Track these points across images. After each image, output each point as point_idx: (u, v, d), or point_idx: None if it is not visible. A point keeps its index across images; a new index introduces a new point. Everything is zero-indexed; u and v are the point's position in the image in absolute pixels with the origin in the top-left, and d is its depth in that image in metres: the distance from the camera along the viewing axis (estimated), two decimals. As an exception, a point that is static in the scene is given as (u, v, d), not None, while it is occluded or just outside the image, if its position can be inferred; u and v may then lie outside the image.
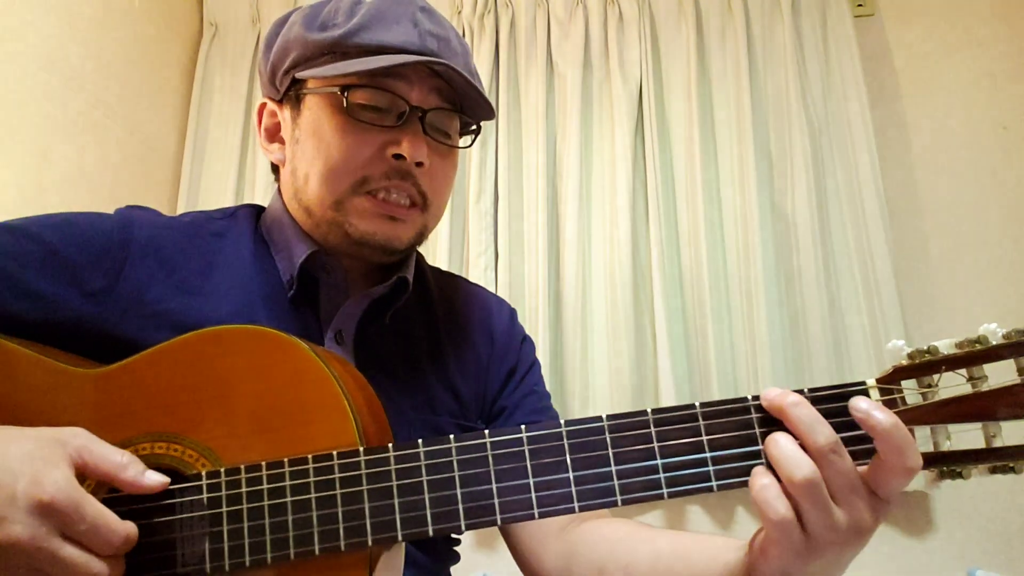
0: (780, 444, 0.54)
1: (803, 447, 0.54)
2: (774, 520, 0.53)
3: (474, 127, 0.87)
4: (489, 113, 0.83)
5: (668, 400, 1.84)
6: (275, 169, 0.89)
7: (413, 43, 0.76)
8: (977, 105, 2.03)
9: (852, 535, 0.54)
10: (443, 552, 0.87)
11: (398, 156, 0.76)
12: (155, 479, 0.59)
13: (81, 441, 0.57)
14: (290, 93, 0.82)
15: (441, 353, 0.88)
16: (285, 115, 0.83)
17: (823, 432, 0.54)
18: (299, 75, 0.78)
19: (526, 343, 0.98)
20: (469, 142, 0.88)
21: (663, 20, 2.15)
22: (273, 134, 0.86)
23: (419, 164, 0.77)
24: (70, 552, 0.53)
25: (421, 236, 0.83)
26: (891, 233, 1.90)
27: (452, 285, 0.98)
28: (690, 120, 2.05)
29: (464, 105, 0.82)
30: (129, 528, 0.56)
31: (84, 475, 0.56)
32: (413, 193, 0.78)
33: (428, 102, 0.78)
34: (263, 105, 0.87)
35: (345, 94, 0.75)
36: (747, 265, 1.92)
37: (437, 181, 0.81)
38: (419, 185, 0.78)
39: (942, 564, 1.78)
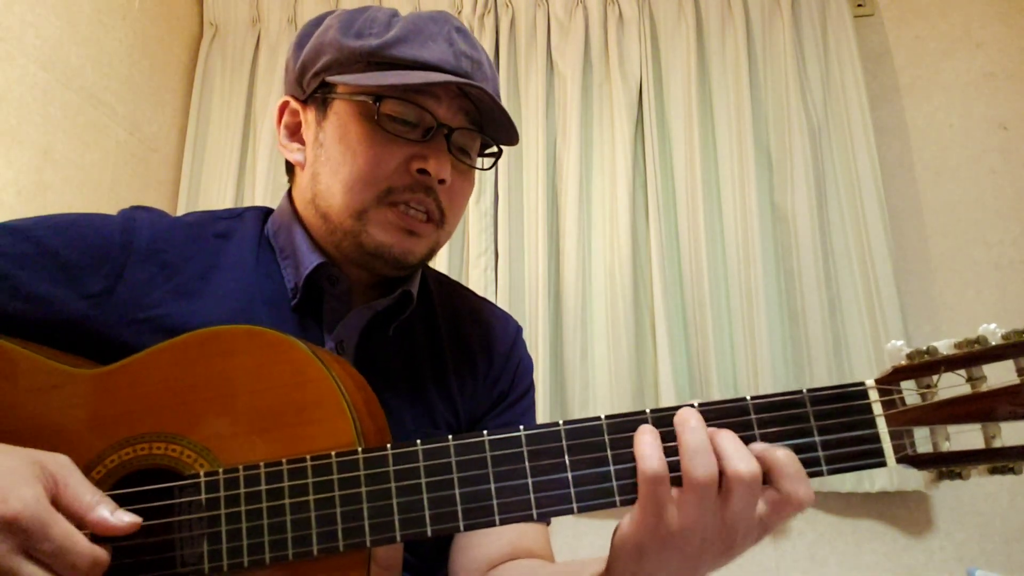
0: (695, 430, 0.55)
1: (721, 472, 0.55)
2: (648, 474, 0.54)
3: (493, 150, 0.86)
4: (513, 138, 0.83)
5: (668, 400, 1.84)
6: (289, 169, 0.89)
7: (448, 62, 0.76)
8: (977, 105, 2.03)
9: (720, 540, 0.55)
10: (438, 553, 0.87)
11: (422, 171, 0.76)
12: (125, 520, 0.56)
13: (60, 470, 0.56)
14: (317, 95, 0.81)
15: (443, 367, 0.87)
16: (309, 117, 0.83)
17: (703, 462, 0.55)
18: (330, 79, 0.78)
19: (522, 368, 0.96)
20: (489, 164, 0.87)
21: (663, 20, 2.15)
22: (293, 132, 0.85)
23: (442, 181, 0.77)
24: (31, 572, 0.51)
25: (432, 252, 0.83)
26: (891, 233, 1.90)
27: (457, 297, 0.97)
28: (690, 120, 2.05)
29: (487, 127, 0.82)
30: (98, 553, 0.54)
31: (58, 507, 0.54)
32: (432, 208, 0.78)
33: (455, 121, 0.78)
34: (285, 103, 0.85)
35: (377, 104, 0.75)
36: (747, 265, 1.92)
37: (456, 199, 0.82)
38: (439, 201, 0.78)
39: (942, 564, 1.78)
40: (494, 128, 0.82)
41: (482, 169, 0.86)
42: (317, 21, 0.83)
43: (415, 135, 0.76)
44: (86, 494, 0.56)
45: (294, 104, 0.85)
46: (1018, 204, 1.95)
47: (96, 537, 0.55)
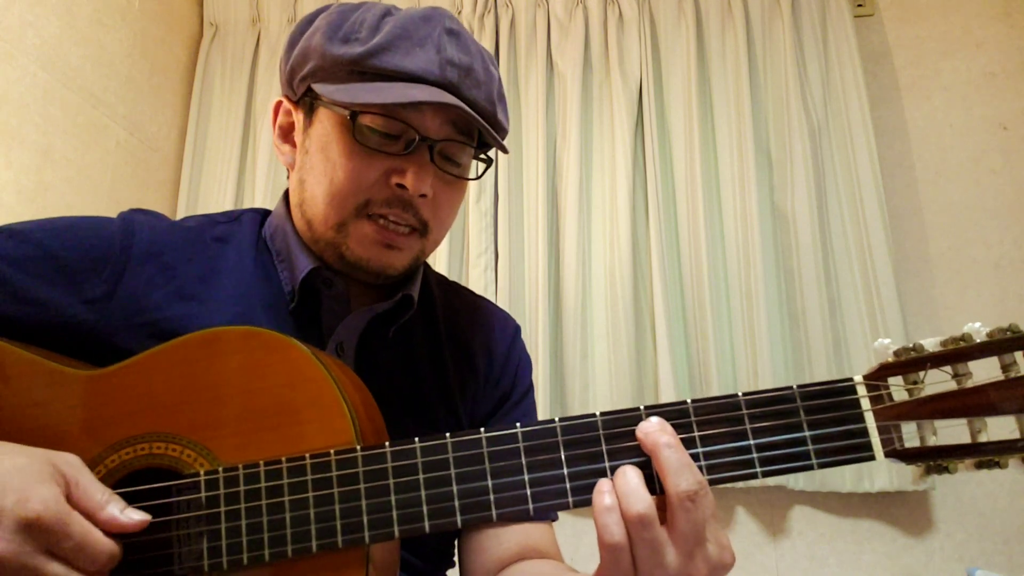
0: (627, 477, 0.55)
1: (664, 487, 0.54)
2: (607, 543, 0.53)
3: (485, 156, 0.85)
4: (500, 148, 0.81)
5: (668, 400, 1.84)
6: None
7: (433, 73, 0.73)
8: (977, 105, 2.03)
9: None
10: (438, 555, 0.87)
11: (401, 186, 0.74)
12: (135, 518, 0.57)
13: (72, 470, 0.57)
14: (305, 99, 0.80)
15: (443, 370, 0.87)
16: (299, 119, 0.82)
17: (687, 479, 0.54)
18: (314, 87, 0.77)
19: (522, 368, 0.96)
20: (479, 172, 0.85)
21: (663, 20, 2.15)
22: (287, 133, 0.85)
23: (423, 196, 0.76)
24: (55, 570, 0.53)
25: (417, 260, 0.82)
26: (891, 233, 1.90)
27: (457, 298, 0.96)
28: (690, 120, 2.05)
29: (479, 134, 0.80)
30: (113, 547, 0.56)
31: (71, 505, 0.56)
32: (413, 222, 0.77)
33: (440, 133, 0.76)
34: (279, 103, 0.85)
35: (355, 119, 0.74)
36: (747, 265, 1.93)
37: (441, 210, 0.80)
38: (420, 215, 0.77)
39: (942, 564, 1.78)
40: (483, 136, 0.79)
41: (472, 179, 0.84)
42: (309, 19, 0.82)
43: (395, 148, 0.75)
44: (96, 493, 0.57)
45: (287, 104, 0.84)
46: (1018, 204, 1.95)
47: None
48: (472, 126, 0.78)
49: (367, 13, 0.77)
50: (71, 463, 0.57)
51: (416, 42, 0.74)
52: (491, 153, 0.87)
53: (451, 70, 0.74)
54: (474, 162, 0.85)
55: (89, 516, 0.56)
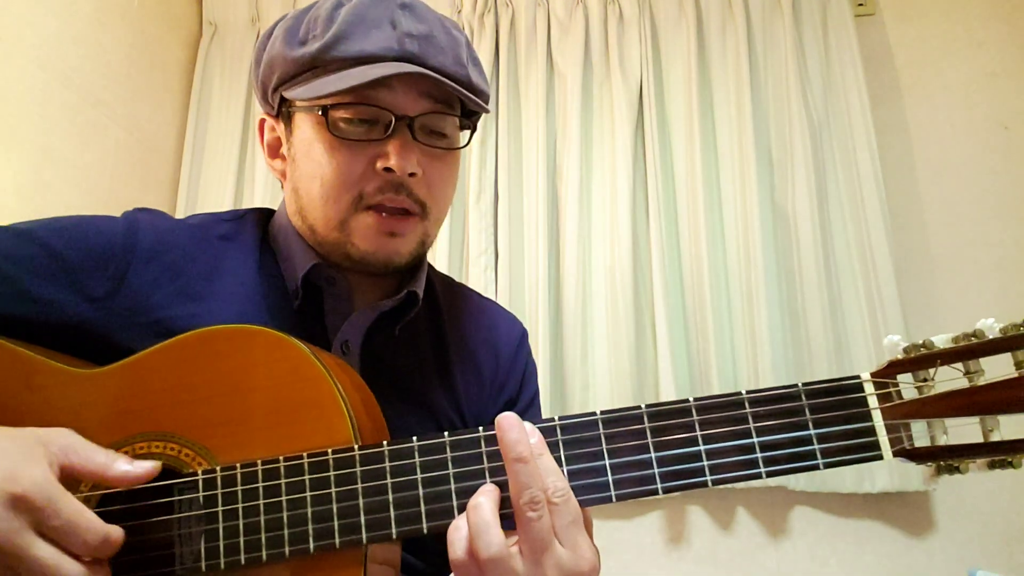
0: (481, 511, 0.56)
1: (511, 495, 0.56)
2: (453, 560, 0.56)
3: (472, 123, 0.84)
4: (483, 104, 0.80)
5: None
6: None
7: (392, 49, 0.73)
8: (977, 105, 2.03)
9: None
10: (441, 558, 0.86)
11: (388, 169, 0.74)
12: (143, 466, 0.58)
13: (66, 441, 0.57)
14: (282, 110, 0.80)
15: (448, 369, 0.87)
16: (281, 131, 0.82)
17: (527, 494, 0.55)
18: (285, 94, 0.77)
19: (528, 375, 0.96)
20: (467, 139, 0.84)
21: (663, 20, 2.15)
22: (275, 149, 0.85)
23: (412, 174, 0.75)
24: (41, 549, 0.52)
25: (423, 245, 0.81)
26: (891, 233, 1.90)
27: (460, 297, 0.96)
28: (690, 120, 2.05)
29: (459, 100, 0.79)
30: (110, 530, 0.55)
31: (73, 476, 0.56)
32: (409, 204, 0.76)
33: (415, 107, 0.75)
34: (263, 120, 0.85)
35: (327, 114, 0.74)
36: (747, 265, 1.92)
37: (435, 187, 0.79)
38: (415, 195, 0.76)
39: (942, 564, 1.78)
40: (464, 102, 0.78)
41: (460, 147, 0.83)
42: (269, 32, 0.82)
43: (376, 133, 0.74)
44: (98, 455, 0.57)
45: (269, 120, 0.84)
46: (1019, 204, 1.94)
47: (109, 519, 0.56)
48: (446, 94, 0.77)
49: (319, 10, 0.77)
50: (64, 435, 0.57)
51: (371, 24, 0.74)
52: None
53: (410, 41, 0.74)
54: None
55: (98, 478, 0.57)
